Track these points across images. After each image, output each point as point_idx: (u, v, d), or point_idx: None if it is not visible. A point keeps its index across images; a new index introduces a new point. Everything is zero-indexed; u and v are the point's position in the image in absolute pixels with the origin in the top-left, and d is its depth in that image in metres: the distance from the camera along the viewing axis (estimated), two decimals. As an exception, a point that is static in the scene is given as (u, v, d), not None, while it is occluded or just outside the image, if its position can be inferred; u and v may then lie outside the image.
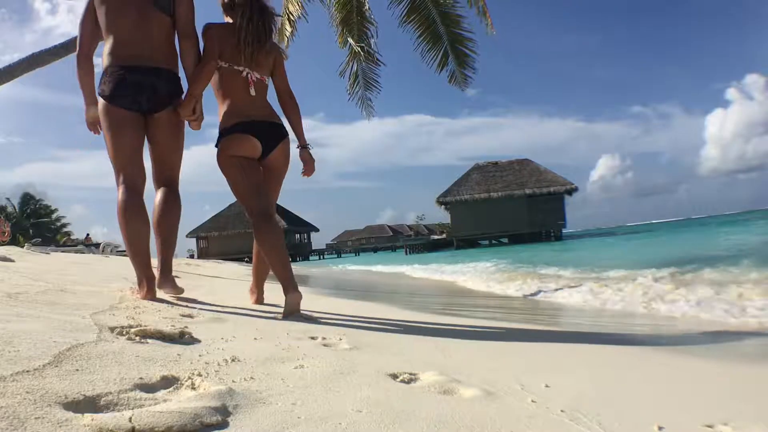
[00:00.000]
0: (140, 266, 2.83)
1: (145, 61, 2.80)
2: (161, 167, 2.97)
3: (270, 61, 3.05)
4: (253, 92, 2.93)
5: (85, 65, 3.01)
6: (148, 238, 2.85)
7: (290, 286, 2.79)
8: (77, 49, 2.98)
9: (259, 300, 3.37)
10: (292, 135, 3.12)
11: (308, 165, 3.15)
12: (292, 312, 2.77)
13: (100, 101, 2.83)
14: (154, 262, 2.95)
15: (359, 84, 10.92)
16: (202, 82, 2.89)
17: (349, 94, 11.01)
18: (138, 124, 2.84)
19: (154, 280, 2.87)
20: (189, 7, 2.96)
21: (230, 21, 3.01)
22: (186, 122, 3.01)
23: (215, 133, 3.03)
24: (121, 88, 2.76)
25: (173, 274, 3.03)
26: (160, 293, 2.93)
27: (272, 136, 2.97)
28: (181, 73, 3.03)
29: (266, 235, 2.91)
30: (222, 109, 2.98)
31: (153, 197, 2.98)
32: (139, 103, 2.80)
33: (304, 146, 3.15)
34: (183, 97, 2.93)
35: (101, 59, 2.90)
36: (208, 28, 2.94)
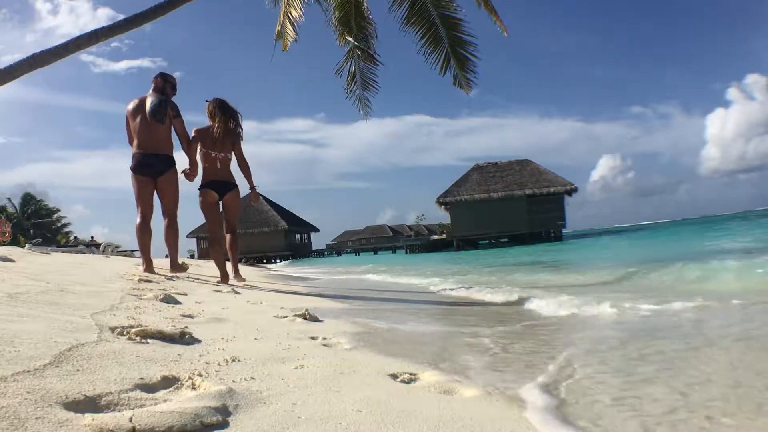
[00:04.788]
0: (143, 255, 5.48)
1: (151, 149, 5.38)
2: (165, 206, 5.55)
3: (231, 144, 5.50)
4: (218, 165, 5.49)
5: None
6: (149, 243, 5.47)
7: (226, 274, 5.57)
8: (128, 138, 5.55)
9: (225, 280, 5.46)
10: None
11: (255, 199, 6.01)
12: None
13: (131, 171, 5.40)
14: (158, 263, 5.42)
15: (357, 83, 10.90)
16: (194, 158, 5.58)
17: (347, 93, 11.00)
18: (149, 184, 5.44)
19: (151, 264, 5.39)
20: (182, 125, 5.55)
21: (210, 123, 5.51)
22: (183, 176, 5.60)
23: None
24: (139, 166, 5.39)
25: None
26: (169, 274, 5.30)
27: (224, 187, 5.55)
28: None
29: (214, 248, 5.79)
30: (201, 171, 5.61)
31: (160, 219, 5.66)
32: (149, 173, 5.39)
33: (252, 187, 5.75)
34: (177, 163, 5.61)
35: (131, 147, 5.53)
36: (195, 133, 5.50)
